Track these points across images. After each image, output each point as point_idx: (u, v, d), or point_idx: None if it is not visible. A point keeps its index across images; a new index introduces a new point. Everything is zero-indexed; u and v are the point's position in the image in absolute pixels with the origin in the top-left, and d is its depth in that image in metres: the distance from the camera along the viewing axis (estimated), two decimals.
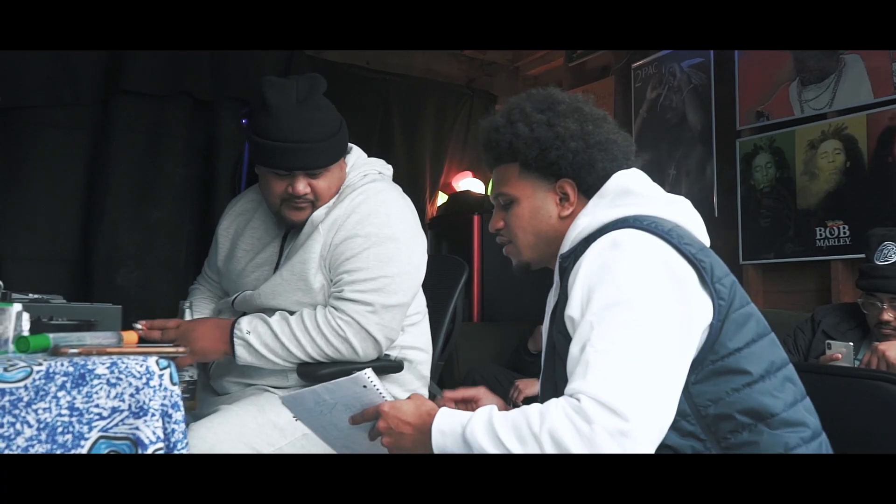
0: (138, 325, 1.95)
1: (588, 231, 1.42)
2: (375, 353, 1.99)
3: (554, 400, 1.21)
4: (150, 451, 1.26)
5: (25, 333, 1.44)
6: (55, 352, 1.34)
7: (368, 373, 1.39)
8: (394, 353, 2.10)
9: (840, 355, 2.30)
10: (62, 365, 1.24)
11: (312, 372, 1.96)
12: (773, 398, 1.30)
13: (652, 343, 1.23)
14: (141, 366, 1.30)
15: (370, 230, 1.99)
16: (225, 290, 2.29)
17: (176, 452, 1.31)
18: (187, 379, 1.98)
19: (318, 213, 2.04)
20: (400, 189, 2.16)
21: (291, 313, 2.00)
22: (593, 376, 1.20)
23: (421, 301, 2.20)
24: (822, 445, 1.34)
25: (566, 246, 1.45)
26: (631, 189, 1.44)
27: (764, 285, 3.57)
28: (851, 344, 2.36)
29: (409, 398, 1.39)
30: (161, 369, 1.32)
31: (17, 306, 1.43)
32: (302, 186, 2.00)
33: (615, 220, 1.39)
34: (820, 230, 3.32)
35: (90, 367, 1.26)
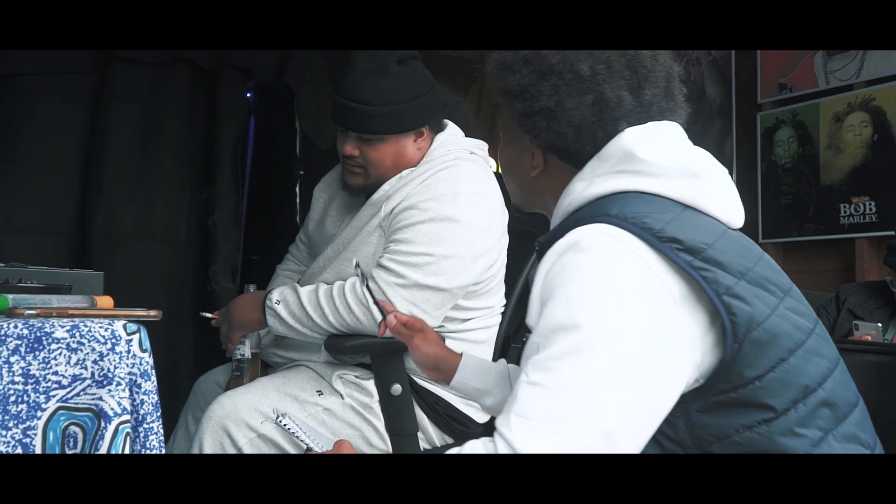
0: (209, 315, 2.05)
1: (578, 203, 1.17)
2: None
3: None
4: (114, 423, 1.15)
5: None
6: (11, 313, 1.22)
7: (285, 420, 1.31)
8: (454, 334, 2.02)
9: (870, 337, 2.19)
10: (16, 327, 1.13)
11: (340, 345, 1.90)
12: (795, 438, 1.03)
13: (594, 384, 0.97)
14: (106, 330, 1.18)
15: (430, 205, 1.91)
16: (311, 259, 2.24)
17: (145, 426, 1.19)
18: (238, 357, 2.01)
19: (388, 186, 1.98)
20: (489, 172, 2.06)
21: None
22: (515, 415, 0.99)
23: (495, 297, 2.11)
24: None
25: (555, 220, 1.21)
26: (635, 154, 1.14)
27: (785, 265, 3.42)
28: (880, 325, 2.26)
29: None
30: (129, 334, 1.20)
31: None
32: (349, 147, 1.99)
33: (602, 200, 1.14)
34: (844, 207, 3.18)
35: (48, 329, 1.15)
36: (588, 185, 1.16)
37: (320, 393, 1.93)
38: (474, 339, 2.05)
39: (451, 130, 2.13)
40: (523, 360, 1.06)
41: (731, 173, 3.56)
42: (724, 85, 3.67)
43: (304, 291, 1.92)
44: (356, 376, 1.97)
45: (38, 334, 1.14)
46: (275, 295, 1.94)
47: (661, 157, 1.15)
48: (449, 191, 1.93)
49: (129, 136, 3.42)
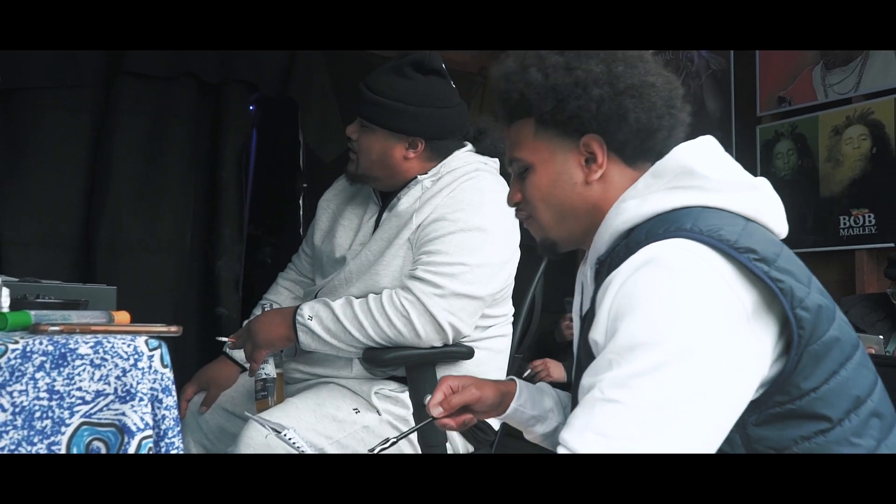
0: (225, 339, 2.01)
1: (634, 221, 1.14)
2: (439, 340, 1.91)
3: None
4: (137, 438, 1.17)
5: (5, 310, 1.34)
6: (35, 329, 1.24)
7: (290, 434, 1.33)
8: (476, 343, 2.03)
9: (872, 350, 2.21)
10: (41, 343, 1.15)
11: (378, 357, 1.89)
12: (853, 448, 1.05)
13: (675, 402, 0.99)
14: (128, 346, 1.20)
15: (459, 216, 1.94)
16: (316, 271, 2.22)
17: (166, 441, 1.21)
18: (263, 377, 1.95)
19: (411, 199, 1.99)
20: (504, 182, 2.07)
21: None
22: (593, 433, 0.99)
23: (508, 304, 2.13)
24: None
25: (604, 238, 1.17)
26: (694, 169, 1.13)
27: None
28: (881, 337, 2.29)
29: None
30: (151, 350, 1.22)
31: None
32: (350, 129, 2.05)
33: (668, 215, 1.11)
34: (844, 219, 3.21)
35: (72, 346, 1.17)
36: (641, 202, 1.14)
37: (357, 411, 1.91)
38: (495, 348, 2.07)
39: (467, 149, 2.14)
40: (590, 374, 1.05)
41: None
42: (724, 98, 3.71)
43: (338, 306, 1.90)
44: (391, 390, 1.97)
45: (63, 350, 1.16)
46: (306, 311, 1.91)
47: (720, 171, 1.16)
48: (475, 201, 1.96)
49: (134, 149, 3.43)
